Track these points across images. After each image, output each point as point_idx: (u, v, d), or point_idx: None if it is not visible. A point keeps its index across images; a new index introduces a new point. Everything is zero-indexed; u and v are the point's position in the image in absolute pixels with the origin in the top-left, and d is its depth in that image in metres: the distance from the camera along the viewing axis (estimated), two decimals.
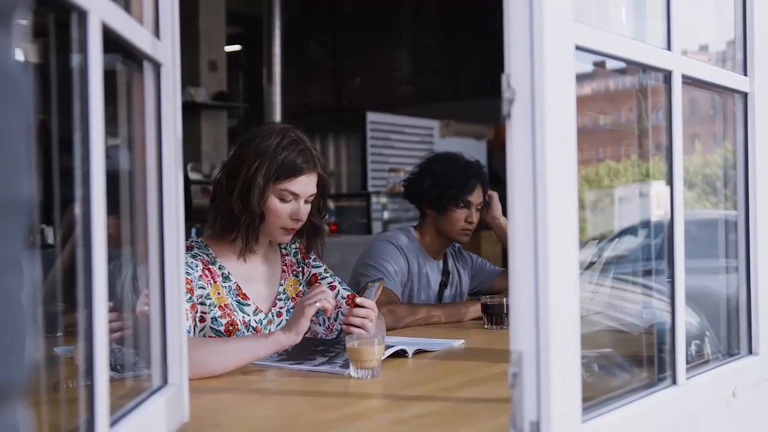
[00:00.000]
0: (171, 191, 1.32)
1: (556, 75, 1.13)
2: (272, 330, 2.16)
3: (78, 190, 0.96)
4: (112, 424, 1.04)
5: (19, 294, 0.54)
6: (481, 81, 8.15)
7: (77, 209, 0.96)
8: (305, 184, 2.11)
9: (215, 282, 2.11)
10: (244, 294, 2.15)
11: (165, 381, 1.32)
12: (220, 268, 2.14)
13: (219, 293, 2.10)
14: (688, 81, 1.52)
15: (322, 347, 2.08)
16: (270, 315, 2.20)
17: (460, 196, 2.89)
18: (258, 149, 2.08)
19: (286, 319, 2.19)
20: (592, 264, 1.86)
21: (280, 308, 2.23)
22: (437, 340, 2.27)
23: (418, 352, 2.12)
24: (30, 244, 0.57)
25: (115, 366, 1.27)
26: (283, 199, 2.10)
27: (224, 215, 2.12)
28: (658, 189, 1.76)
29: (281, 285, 2.25)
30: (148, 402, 1.23)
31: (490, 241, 6.06)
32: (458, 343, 2.29)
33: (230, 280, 2.14)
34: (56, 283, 1.84)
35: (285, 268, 2.29)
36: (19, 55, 0.56)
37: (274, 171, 2.07)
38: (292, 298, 2.27)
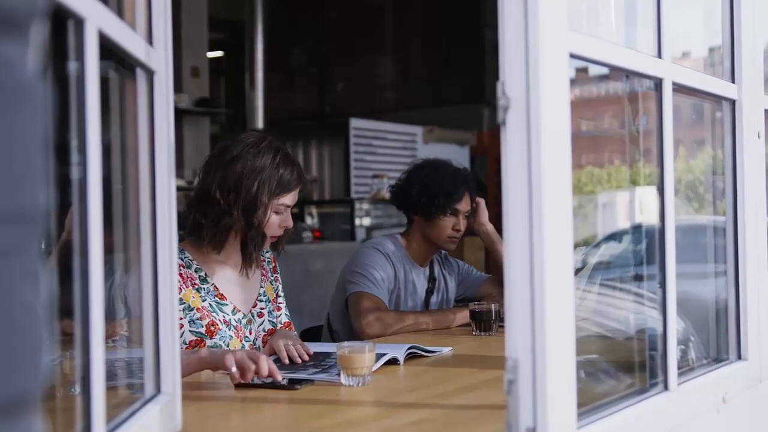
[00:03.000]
0: (164, 198, 1.32)
1: (551, 82, 1.13)
2: (252, 330, 2.26)
3: (74, 197, 0.96)
4: None
5: (36, 304, 0.53)
6: (464, 87, 8.20)
7: (74, 217, 0.95)
8: (295, 195, 2.25)
9: (192, 285, 2.16)
10: (222, 294, 2.22)
11: (158, 390, 1.31)
12: (196, 271, 2.20)
13: (194, 296, 2.16)
14: (677, 88, 1.53)
15: (314, 361, 2.07)
16: (250, 315, 2.27)
17: (449, 204, 2.89)
18: (254, 167, 2.16)
19: (268, 320, 2.31)
20: (578, 270, 1.86)
21: (261, 309, 2.31)
22: (427, 347, 2.27)
23: (411, 356, 2.12)
24: (44, 254, 0.56)
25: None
26: (278, 212, 2.22)
27: (222, 230, 2.16)
28: (641, 195, 1.77)
29: (261, 287, 2.34)
30: (142, 411, 1.22)
31: (474, 247, 6.07)
32: (447, 350, 2.29)
33: (208, 282, 2.21)
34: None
35: (264, 272, 2.37)
36: (35, 66, 0.55)
37: (275, 188, 2.18)
38: (272, 300, 2.36)
